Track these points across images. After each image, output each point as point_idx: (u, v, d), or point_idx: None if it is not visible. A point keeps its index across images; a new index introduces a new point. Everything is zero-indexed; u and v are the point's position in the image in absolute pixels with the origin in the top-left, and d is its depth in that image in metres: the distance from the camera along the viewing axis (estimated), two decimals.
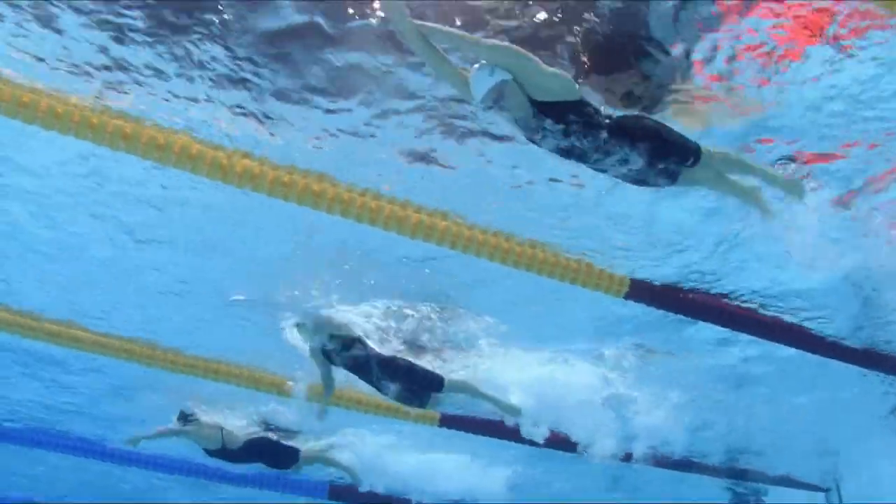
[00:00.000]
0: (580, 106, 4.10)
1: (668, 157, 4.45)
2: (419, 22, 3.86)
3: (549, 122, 4.05)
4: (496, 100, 3.93)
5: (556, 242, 6.02)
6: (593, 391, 8.40)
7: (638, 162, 4.34)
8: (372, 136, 5.04)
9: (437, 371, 7.46)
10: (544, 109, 4.02)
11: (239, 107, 4.85)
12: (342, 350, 7.11)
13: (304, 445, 9.63)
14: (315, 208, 5.31)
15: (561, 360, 8.05)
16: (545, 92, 3.99)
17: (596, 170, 4.53)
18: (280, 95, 4.73)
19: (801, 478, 11.09)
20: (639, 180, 4.58)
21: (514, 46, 3.98)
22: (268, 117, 4.91)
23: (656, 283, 6.51)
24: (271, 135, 5.02)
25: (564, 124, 4.07)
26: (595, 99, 4.37)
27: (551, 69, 4.00)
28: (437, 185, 5.44)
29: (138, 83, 4.67)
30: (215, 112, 4.85)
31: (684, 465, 10.45)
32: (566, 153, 4.30)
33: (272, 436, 9.28)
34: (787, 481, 11.17)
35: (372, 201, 5.35)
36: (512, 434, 8.19)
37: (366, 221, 5.35)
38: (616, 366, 8.12)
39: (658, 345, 7.74)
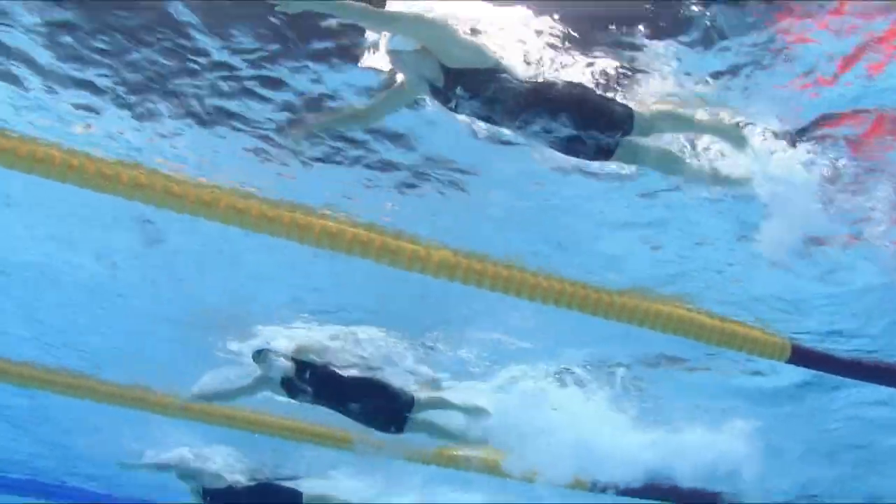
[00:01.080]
0: (494, 72, 3.93)
1: (594, 127, 4.09)
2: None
3: (460, 89, 3.93)
4: (394, 62, 3.93)
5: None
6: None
7: (562, 131, 4.08)
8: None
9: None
10: (455, 76, 3.91)
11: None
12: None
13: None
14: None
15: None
16: (457, 59, 3.89)
17: (524, 137, 4.28)
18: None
19: None
20: (568, 149, 4.25)
21: (425, 14, 3.84)
22: None
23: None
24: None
25: (476, 91, 3.94)
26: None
27: (464, 36, 3.91)
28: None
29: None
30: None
31: None
32: (485, 119, 4.17)
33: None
34: None
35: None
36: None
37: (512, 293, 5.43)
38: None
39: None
